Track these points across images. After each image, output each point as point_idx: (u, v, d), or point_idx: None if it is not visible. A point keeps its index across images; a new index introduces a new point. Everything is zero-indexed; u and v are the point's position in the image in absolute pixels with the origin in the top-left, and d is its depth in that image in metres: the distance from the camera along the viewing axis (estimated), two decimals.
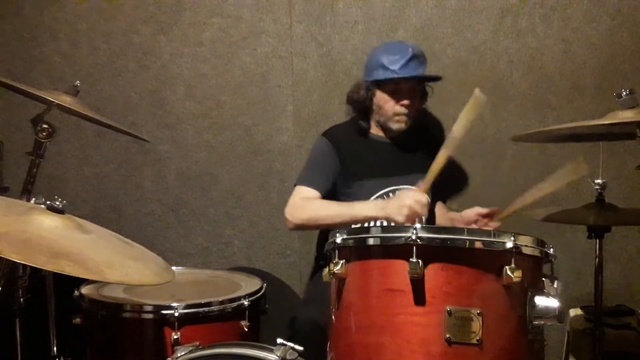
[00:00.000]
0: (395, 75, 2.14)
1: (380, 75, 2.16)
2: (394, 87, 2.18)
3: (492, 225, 2.05)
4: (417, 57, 2.17)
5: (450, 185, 2.50)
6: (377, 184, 2.20)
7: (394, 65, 2.14)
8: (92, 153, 2.76)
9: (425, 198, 1.91)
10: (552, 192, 1.93)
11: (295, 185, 2.21)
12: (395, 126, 2.22)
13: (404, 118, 2.20)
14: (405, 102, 2.18)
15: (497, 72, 2.57)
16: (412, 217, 1.87)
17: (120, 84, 2.73)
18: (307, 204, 2.12)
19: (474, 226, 2.09)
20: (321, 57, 2.64)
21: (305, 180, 2.19)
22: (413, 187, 2.01)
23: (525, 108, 2.56)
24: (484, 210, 2.07)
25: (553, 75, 2.54)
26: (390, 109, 2.20)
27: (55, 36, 2.73)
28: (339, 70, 2.64)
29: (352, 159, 2.22)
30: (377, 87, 2.20)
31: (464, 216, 2.13)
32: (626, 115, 1.78)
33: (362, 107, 2.26)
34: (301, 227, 2.16)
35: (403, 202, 1.89)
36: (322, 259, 2.27)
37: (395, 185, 2.20)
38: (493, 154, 2.59)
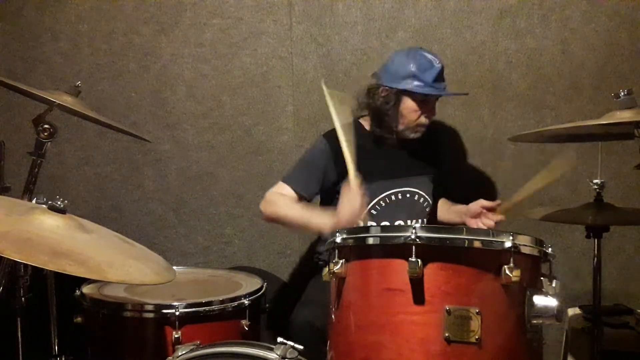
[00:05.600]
0: (431, 90, 2.14)
1: (415, 87, 2.14)
2: (423, 99, 2.17)
3: (496, 218, 2.07)
4: (442, 71, 2.17)
5: (449, 185, 2.51)
6: (380, 186, 2.20)
7: (427, 77, 2.13)
8: (93, 153, 2.77)
9: (355, 192, 1.92)
10: (549, 183, 1.95)
11: (281, 180, 2.22)
12: (412, 135, 2.22)
13: (423, 129, 2.22)
14: (431, 115, 2.21)
15: (495, 72, 2.58)
16: (354, 212, 1.89)
17: (121, 84, 2.74)
18: (277, 200, 2.15)
19: (479, 223, 2.10)
20: (321, 57, 2.65)
21: (289, 178, 2.21)
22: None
23: (524, 108, 2.57)
24: (488, 203, 2.09)
25: (551, 75, 2.55)
26: (415, 120, 2.19)
27: (56, 37, 2.73)
28: (338, 70, 2.65)
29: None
30: (407, 96, 2.18)
31: (470, 209, 2.15)
32: (624, 116, 1.78)
33: (380, 112, 2.22)
34: (272, 221, 2.20)
35: (342, 205, 1.92)
36: (321, 259, 2.31)
37: (398, 188, 2.21)
38: (492, 154, 2.60)
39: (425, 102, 2.18)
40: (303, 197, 2.18)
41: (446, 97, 2.50)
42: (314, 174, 2.20)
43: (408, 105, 2.18)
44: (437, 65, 2.15)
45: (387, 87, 2.19)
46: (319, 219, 2.01)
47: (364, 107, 2.28)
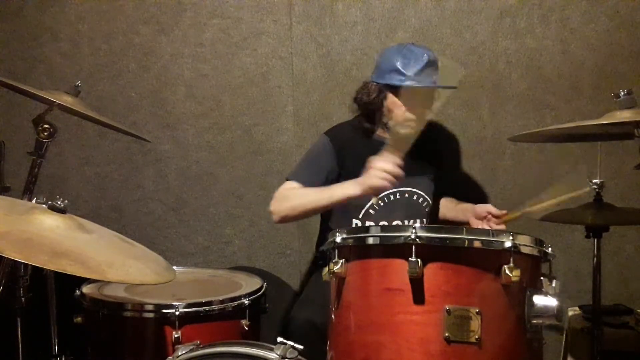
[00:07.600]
0: (411, 83, 2.10)
1: (396, 80, 2.12)
2: (407, 93, 2.15)
3: (498, 226, 2.07)
4: (432, 64, 2.13)
5: (449, 185, 2.51)
6: None
7: (409, 71, 2.10)
8: (93, 153, 2.77)
9: (392, 157, 1.92)
10: (556, 204, 1.94)
11: (286, 179, 2.21)
12: (403, 131, 2.19)
13: (413, 124, 2.18)
14: (419, 109, 2.15)
15: (495, 72, 2.58)
16: (390, 177, 1.89)
17: (121, 84, 2.74)
18: (288, 194, 2.13)
19: (484, 225, 2.10)
20: (321, 57, 2.65)
21: (295, 175, 2.20)
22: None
23: (524, 108, 2.57)
24: (495, 211, 2.09)
25: (551, 75, 2.55)
26: (401, 115, 2.16)
27: (56, 36, 2.73)
28: (338, 70, 2.64)
29: (354, 160, 2.21)
30: (390, 91, 2.17)
31: (476, 210, 2.15)
32: (624, 115, 1.78)
33: (370, 109, 2.23)
34: (287, 219, 2.15)
35: (375, 167, 1.91)
36: (321, 258, 2.31)
37: (397, 187, 2.20)
38: (492, 154, 2.60)
39: (411, 97, 2.14)
40: None
41: (446, 97, 2.51)
42: (319, 171, 2.19)
43: (393, 100, 2.17)
44: (424, 58, 2.11)
45: (374, 83, 2.20)
46: (342, 187, 2.02)
47: (360, 105, 2.28)
